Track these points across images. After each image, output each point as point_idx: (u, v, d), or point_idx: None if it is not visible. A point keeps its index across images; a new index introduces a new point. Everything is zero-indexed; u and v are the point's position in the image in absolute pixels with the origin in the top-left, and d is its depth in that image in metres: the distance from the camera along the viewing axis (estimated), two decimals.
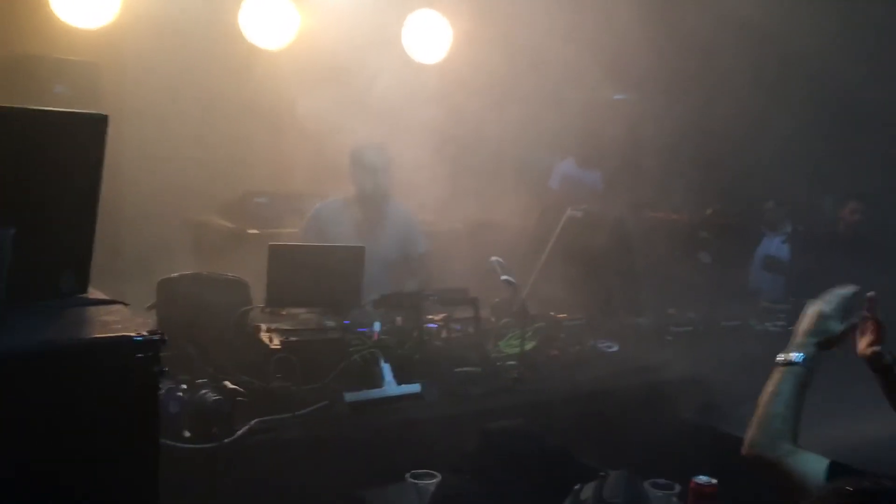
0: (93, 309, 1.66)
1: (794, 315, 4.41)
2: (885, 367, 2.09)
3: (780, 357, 2.05)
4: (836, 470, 1.92)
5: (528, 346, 3.51)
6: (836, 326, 2.06)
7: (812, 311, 2.10)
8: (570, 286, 4.04)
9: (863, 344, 2.13)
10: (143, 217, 4.59)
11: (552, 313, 3.91)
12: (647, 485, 2.40)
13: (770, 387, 2.05)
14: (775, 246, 6.35)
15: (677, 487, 2.41)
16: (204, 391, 2.61)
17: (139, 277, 3.44)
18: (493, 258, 3.62)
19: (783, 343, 4.20)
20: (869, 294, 2.12)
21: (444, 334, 3.55)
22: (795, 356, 2.03)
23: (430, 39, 6.26)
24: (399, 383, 3.01)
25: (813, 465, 1.95)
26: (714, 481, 2.34)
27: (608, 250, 4.23)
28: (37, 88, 4.66)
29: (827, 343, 2.06)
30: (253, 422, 2.65)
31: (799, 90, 6.26)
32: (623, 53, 5.81)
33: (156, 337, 1.48)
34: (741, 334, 4.15)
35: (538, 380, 3.35)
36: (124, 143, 4.88)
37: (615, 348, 3.77)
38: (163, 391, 2.59)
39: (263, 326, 3.18)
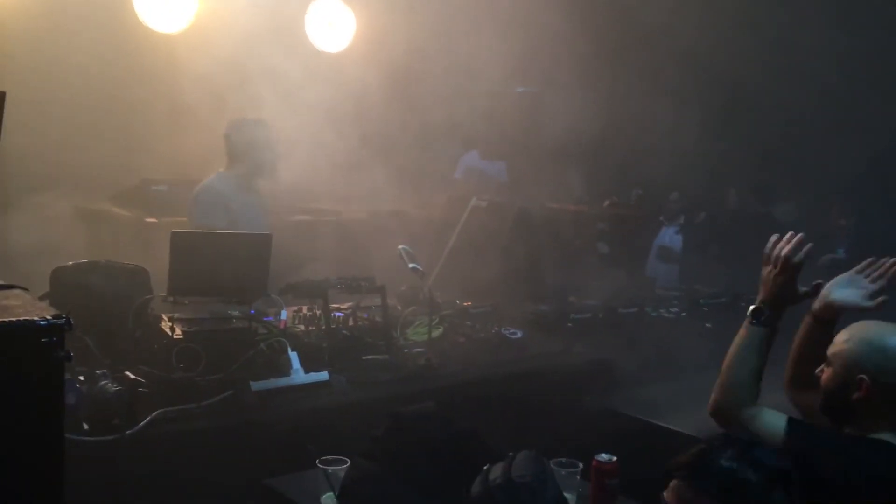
0: None
1: (688, 302, 4.64)
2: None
3: (749, 314, 2.24)
4: (794, 425, 2.11)
5: (436, 333, 3.55)
6: (801, 289, 2.26)
7: (769, 273, 2.26)
8: (476, 274, 4.10)
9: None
10: (32, 205, 4.37)
11: (458, 301, 3.97)
12: (553, 464, 2.47)
13: (735, 347, 2.23)
14: (669, 236, 6.61)
15: (580, 465, 2.49)
16: (103, 382, 2.53)
17: (30, 267, 3.28)
18: (401, 246, 3.63)
19: (678, 328, 4.39)
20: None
21: (351, 322, 3.54)
22: (764, 315, 2.22)
23: (333, 28, 6.20)
24: (307, 371, 2.99)
25: (774, 421, 2.12)
26: (614, 458, 2.43)
27: (512, 239, 4.32)
28: None
29: (781, 302, 2.24)
30: (156, 412, 2.58)
31: (700, 86, 6.52)
32: (526, 47, 5.91)
33: (60, 321, 1.43)
34: (638, 320, 4.31)
35: (445, 366, 3.39)
36: (9, 128, 4.65)
37: (519, 335, 3.86)
38: None
39: (165, 316, 3.10)
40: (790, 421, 2.12)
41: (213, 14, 5.53)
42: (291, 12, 5.94)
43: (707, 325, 4.28)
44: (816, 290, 2.33)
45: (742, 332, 2.27)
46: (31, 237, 4.14)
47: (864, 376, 2.02)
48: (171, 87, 5.18)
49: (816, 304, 2.35)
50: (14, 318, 1.40)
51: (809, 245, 2.25)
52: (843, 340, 2.11)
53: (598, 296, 4.41)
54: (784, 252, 2.24)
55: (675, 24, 6.05)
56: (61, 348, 1.43)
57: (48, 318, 1.42)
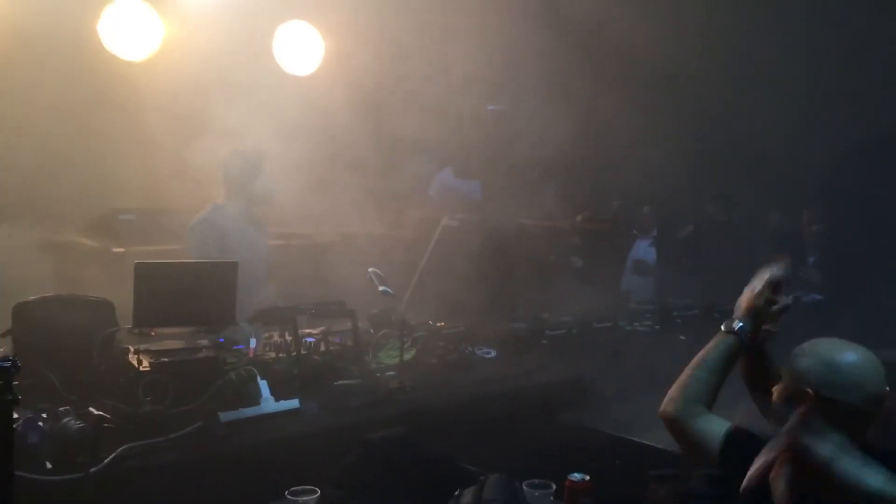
0: None
1: (661, 315, 4.65)
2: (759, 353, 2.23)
3: (723, 326, 2.21)
4: (736, 435, 2.06)
5: (408, 355, 3.53)
6: (769, 307, 2.21)
7: (748, 287, 2.24)
8: (448, 294, 4.09)
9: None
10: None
11: (431, 322, 3.95)
12: (525, 485, 2.45)
13: (703, 353, 2.20)
14: (643, 249, 6.64)
15: (553, 486, 2.47)
16: (67, 419, 2.48)
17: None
18: (371, 269, 3.61)
19: (652, 342, 4.40)
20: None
21: (322, 347, 3.51)
22: (736, 325, 2.18)
23: (302, 51, 6.20)
24: (277, 399, 2.97)
25: (715, 427, 2.09)
26: (587, 477, 2.42)
27: (484, 258, 4.32)
28: None
29: (760, 319, 2.20)
30: (121, 448, 2.54)
31: (670, 99, 6.57)
32: (497, 64, 5.94)
33: (7, 363, 1.39)
34: (612, 335, 4.31)
35: (418, 388, 3.37)
36: None
37: (493, 354, 3.84)
38: (20, 421, 2.45)
39: (132, 348, 3.05)
40: (732, 429, 2.10)
41: (179, 41, 5.52)
42: (259, 37, 5.93)
43: (681, 337, 4.28)
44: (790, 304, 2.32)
45: (711, 342, 2.26)
46: None
47: (809, 389, 2.02)
48: (139, 115, 5.15)
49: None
50: None
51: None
52: (795, 355, 2.11)
53: (573, 311, 4.41)
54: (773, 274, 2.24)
55: (645, 39, 6.11)
56: (9, 391, 1.40)
57: None
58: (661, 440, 3.20)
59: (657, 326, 4.45)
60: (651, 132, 6.09)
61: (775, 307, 2.23)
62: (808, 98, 6.44)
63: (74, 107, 5.13)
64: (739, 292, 2.31)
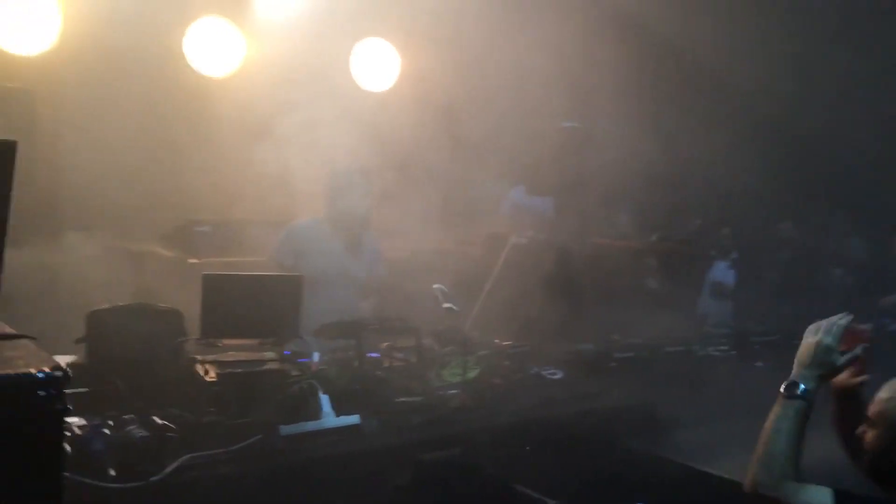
0: None
1: (738, 340, 4.48)
2: (851, 395, 2.11)
3: (783, 388, 2.07)
4: (841, 499, 1.94)
5: (471, 374, 3.48)
6: (839, 358, 2.07)
7: (812, 341, 2.10)
8: (515, 313, 4.03)
9: (846, 373, 2.15)
10: (80, 246, 4.47)
11: (496, 340, 3.90)
12: None
13: (771, 422, 2.06)
14: (721, 271, 6.44)
15: None
16: (130, 427, 2.53)
17: (76, 308, 3.34)
18: (436, 286, 3.59)
19: (725, 367, 4.25)
20: (863, 327, 2.13)
21: (386, 363, 3.50)
22: (800, 389, 2.04)
23: (378, 68, 6.27)
24: (338, 415, 2.96)
25: (818, 497, 1.95)
26: None
27: (552, 277, 4.25)
28: None
29: (829, 375, 2.08)
30: (183, 458, 2.56)
31: (754, 122, 6.40)
32: (574, 81, 5.88)
33: (59, 374, 1.42)
34: (685, 359, 4.17)
35: (480, 408, 3.31)
36: (61, 170, 4.79)
37: (559, 375, 3.76)
38: (87, 428, 2.51)
39: (199, 358, 3.10)
40: (836, 494, 1.96)
41: (259, 58, 5.66)
42: (336, 54, 6.03)
43: (758, 363, 4.12)
44: (861, 359, 2.16)
45: (777, 407, 2.13)
46: (78, 277, 4.23)
47: None
48: (217, 129, 5.29)
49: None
50: (11, 371, 1.39)
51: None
52: (885, 398, 1.96)
53: (644, 334, 4.29)
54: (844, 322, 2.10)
55: (730, 61, 5.97)
56: (60, 401, 1.41)
57: (46, 370, 1.41)
58: (733, 471, 3.07)
59: (733, 352, 4.29)
60: (733, 153, 5.93)
61: (843, 359, 2.09)
62: None
63: (155, 120, 5.31)
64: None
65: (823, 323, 2.13)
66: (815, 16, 6.15)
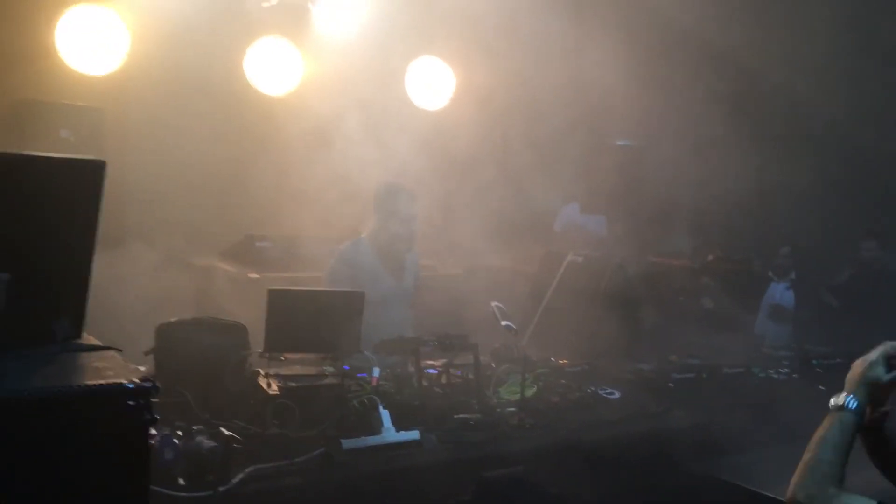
0: (86, 355, 1.65)
1: (800, 362, 4.39)
2: (876, 429, 2.10)
3: (832, 402, 2.08)
4: None
5: (529, 392, 3.48)
6: (883, 374, 2.08)
7: (861, 359, 2.13)
8: (572, 331, 4.02)
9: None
10: (144, 259, 4.60)
11: (553, 359, 3.89)
12: None
13: (819, 432, 2.08)
14: (780, 292, 6.33)
15: None
16: (199, 438, 2.58)
17: (143, 321, 3.44)
18: (494, 303, 3.60)
19: (786, 390, 4.17)
20: None
21: (444, 380, 3.52)
22: (846, 401, 2.05)
23: (433, 86, 6.35)
24: (398, 430, 2.98)
25: None
26: None
27: (609, 296, 4.23)
28: (43, 132, 4.73)
29: (875, 390, 2.08)
30: (249, 469, 2.61)
31: (812, 141, 6.30)
32: (627, 99, 5.87)
33: (148, 384, 1.47)
34: (744, 381, 4.11)
35: (538, 426, 3.30)
36: (127, 186, 4.94)
37: (616, 395, 3.73)
38: (158, 437, 2.57)
39: (262, 372, 3.16)
40: None
41: (317, 76, 5.78)
42: (393, 72, 6.12)
43: (821, 387, 4.03)
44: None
45: (825, 420, 2.12)
46: (144, 291, 4.35)
47: None
48: (276, 146, 5.41)
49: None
50: (103, 381, 1.45)
51: None
52: None
53: (702, 354, 4.23)
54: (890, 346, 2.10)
55: (788, 78, 5.89)
56: (148, 411, 1.46)
57: (136, 381, 1.46)
58: None
59: (794, 374, 4.21)
60: (790, 173, 5.85)
61: (889, 375, 2.07)
62: None
63: (217, 137, 5.46)
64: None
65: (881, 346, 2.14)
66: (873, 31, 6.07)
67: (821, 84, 5.89)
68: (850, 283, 6.14)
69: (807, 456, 2.05)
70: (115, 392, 1.45)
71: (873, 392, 2.08)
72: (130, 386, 1.46)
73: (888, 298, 5.18)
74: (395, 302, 4.17)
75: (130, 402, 1.45)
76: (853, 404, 2.05)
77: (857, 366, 2.12)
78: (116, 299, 4.41)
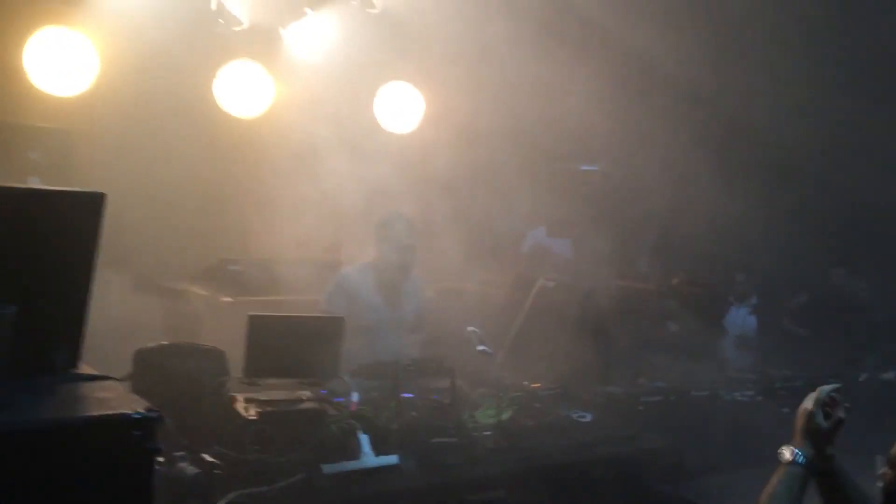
0: (86, 385, 1.66)
1: (763, 385, 4.50)
2: (828, 470, 2.13)
3: (781, 455, 2.09)
4: None
5: (504, 415, 3.53)
6: (823, 422, 2.09)
7: (801, 408, 2.14)
8: (544, 355, 4.08)
9: None
10: (116, 284, 4.56)
11: (526, 382, 3.95)
12: None
13: (770, 486, 2.08)
14: (741, 318, 6.48)
15: None
16: (181, 464, 2.59)
17: (110, 346, 3.41)
18: (470, 328, 3.65)
19: (752, 413, 4.28)
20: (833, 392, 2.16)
21: (420, 404, 3.55)
22: (794, 454, 2.07)
23: (402, 110, 6.40)
24: (377, 454, 3.01)
25: None
26: None
27: (579, 320, 4.30)
28: (12, 154, 4.68)
29: (818, 438, 2.09)
30: (231, 495, 2.62)
31: (773, 169, 6.47)
32: (591, 125, 5.98)
33: (153, 415, 1.49)
34: (711, 404, 4.21)
35: (514, 450, 3.36)
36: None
37: (588, 418, 3.80)
38: None
39: (240, 397, 3.16)
40: None
41: (289, 99, 5.79)
42: (362, 97, 6.16)
43: (784, 409, 4.14)
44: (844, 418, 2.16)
45: (777, 474, 2.11)
46: (111, 313, 4.29)
47: None
48: (248, 169, 5.41)
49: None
50: (110, 412, 1.46)
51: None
52: None
53: (669, 377, 4.33)
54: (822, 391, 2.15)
55: (748, 107, 6.07)
56: (152, 441, 1.48)
57: (141, 411, 1.48)
58: None
59: (759, 397, 4.33)
60: (754, 199, 6.01)
61: (827, 422, 2.10)
62: None
63: (187, 160, 5.42)
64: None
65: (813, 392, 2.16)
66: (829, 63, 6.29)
67: (777, 114, 6.08)
68: (808, 306, 6.31)
69: None
70: (122, 422, 1.47)
71: (817, 440, 2.09)
72: (137, 416, 1.48)
73: (849, 324, 5.33)
74: (389, 329, 4.17)
75: (136, 433, 1.47)
76: (800, 458, 2.06)
77: (800, 417, 2.12)
78: (88, 324, 4.37)
